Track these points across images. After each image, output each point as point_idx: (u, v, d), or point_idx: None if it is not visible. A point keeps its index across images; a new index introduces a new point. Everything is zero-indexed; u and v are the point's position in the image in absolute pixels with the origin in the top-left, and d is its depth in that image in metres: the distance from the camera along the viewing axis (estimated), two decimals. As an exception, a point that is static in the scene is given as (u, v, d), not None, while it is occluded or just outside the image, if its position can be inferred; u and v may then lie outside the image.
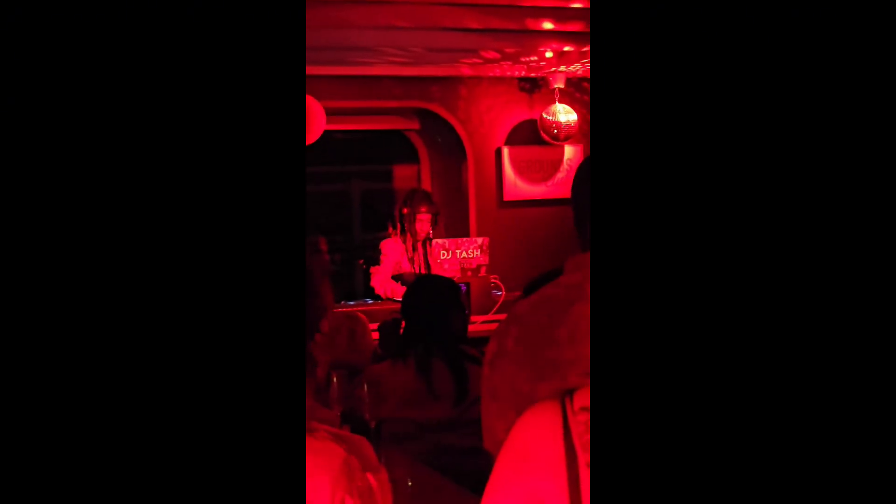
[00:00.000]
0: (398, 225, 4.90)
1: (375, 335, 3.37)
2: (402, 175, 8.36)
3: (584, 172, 1.52)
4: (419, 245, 4.90)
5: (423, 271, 4.85)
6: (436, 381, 2.59)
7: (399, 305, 2.90)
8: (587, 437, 0.95)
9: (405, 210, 4.88)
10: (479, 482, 1.26)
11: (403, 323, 2.80)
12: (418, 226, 4.85)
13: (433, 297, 2.76)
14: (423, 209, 4.85)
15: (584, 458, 0.95)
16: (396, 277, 4.77)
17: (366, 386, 2.63)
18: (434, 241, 4.69)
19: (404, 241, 4.90)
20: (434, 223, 4.91)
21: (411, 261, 4.88)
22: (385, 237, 5.02)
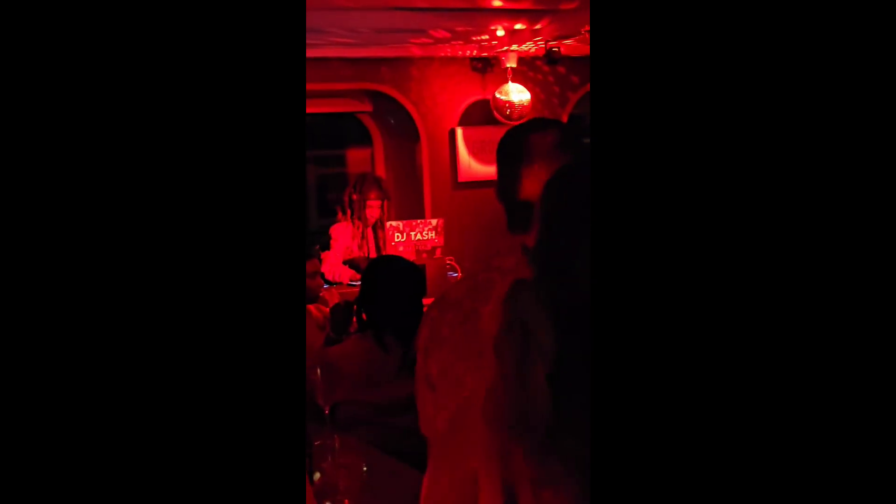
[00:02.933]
0: (347, 210, 4.88)
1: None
2: (356, 158, 8.31)
3: (507, 149, 1.47)
4: (369, 231, 4.88)
5: (376, 254, 4.82)
6: (394, 359, 2.56)
7: (351, 289, 2.86)
8: None
9: (354, 196, 4.85)
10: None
11: (356, 306, 2.76)
12: (368, 212, 4.85)
13: (395, 274, 2.73)
14: (372, 195, 4.84)
15: None
16: (348, 262, 4.74)
17: (319, 370, 2.59)
18: (388, 223, 4.66)
19: (354, 227, 4.87)
20: (384, 209, 4.89)
21: (360, 247, 4.86)
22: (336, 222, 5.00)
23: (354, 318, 2.83)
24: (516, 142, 1.47)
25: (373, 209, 4.86)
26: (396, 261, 2.93)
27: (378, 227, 4.89)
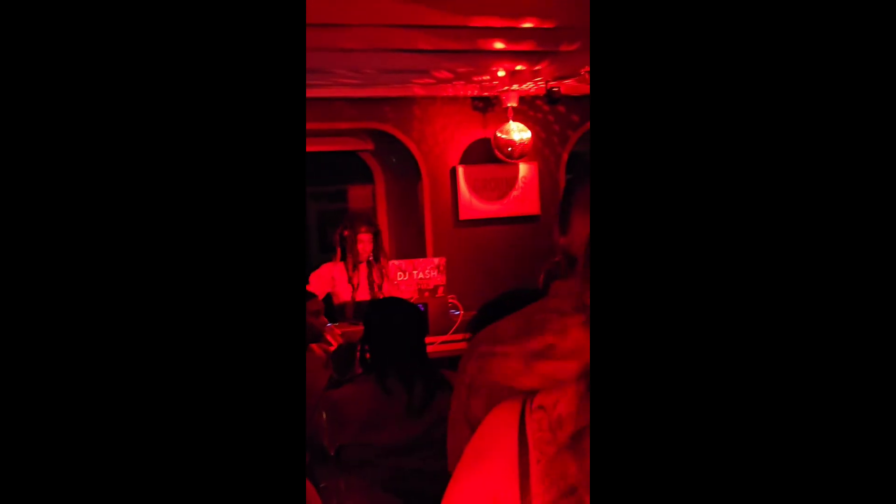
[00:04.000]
0: (338, 248, 4.91)
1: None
2: (358, 196, 8.34)
3: (575, 190, 1.45)
4: (362, 267, 4.90)
5: (368, 292, 4.84)
6: (398, 402, 2.56)
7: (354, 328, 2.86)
8: (539, 434, 0.96)
9: (346, 233, 4.88)
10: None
11: (359, 347, 2.77)
12: (360, 246, 4.86)
13: (397, 316, 2.73)
14: (362, 229, 4.86)
15: (534, 456, 0.96)
16: (340, 304, 4.75)
17: (324, 413, 2.60)
18: (391, 262, 4.68)
19: (346, 264, 4.89)
20: (375, 242, 4.91)
21: (350, 281, 4.87)
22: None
23: (358, 357, 2.84)
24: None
25: (364, 243, 4.87)
26: (398, 303, 2.95)
27: (371, 262, 4.91)
